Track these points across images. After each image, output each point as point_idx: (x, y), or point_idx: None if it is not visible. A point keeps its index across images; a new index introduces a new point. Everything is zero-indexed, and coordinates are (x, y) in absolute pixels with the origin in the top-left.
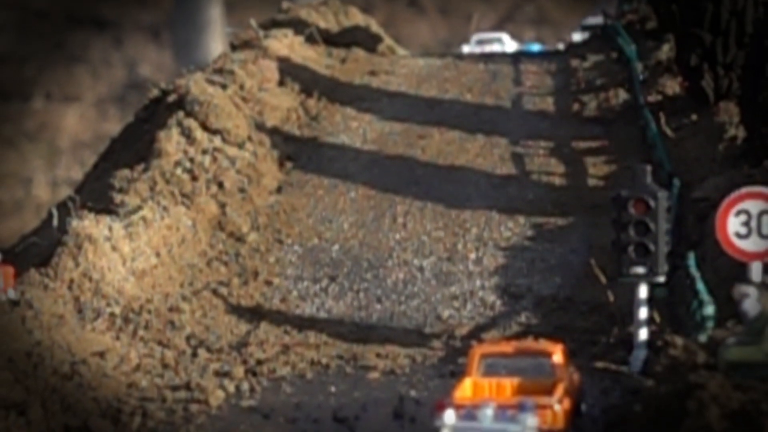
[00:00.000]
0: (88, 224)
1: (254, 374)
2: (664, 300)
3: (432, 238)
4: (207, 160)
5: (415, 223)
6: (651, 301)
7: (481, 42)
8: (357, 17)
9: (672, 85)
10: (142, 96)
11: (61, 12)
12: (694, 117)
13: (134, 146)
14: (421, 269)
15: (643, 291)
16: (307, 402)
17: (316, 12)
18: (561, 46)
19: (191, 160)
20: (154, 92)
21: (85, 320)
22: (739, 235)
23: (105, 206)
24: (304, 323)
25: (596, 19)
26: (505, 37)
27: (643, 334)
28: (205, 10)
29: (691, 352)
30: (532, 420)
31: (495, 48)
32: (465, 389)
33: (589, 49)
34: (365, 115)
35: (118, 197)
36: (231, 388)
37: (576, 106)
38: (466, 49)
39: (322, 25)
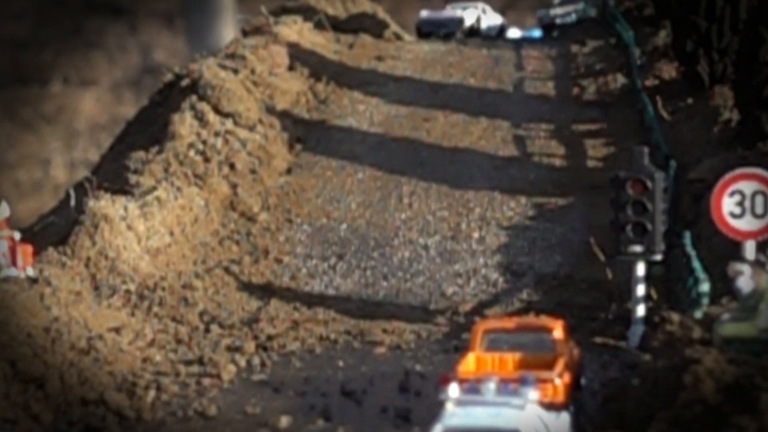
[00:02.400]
0: (105, 204)
1: (265, 349)
2: (660, 277)
3: (437, 217)
4: (219, 142)
5: (421, 203)
6: (648, 279)
7: None
8: (364, 4)
9: (668, 70)
10: (157, 80)
11: None
12: (689, 101)
13: (149, 129)
14: (426, 248)
15: (640, 269)
16: (315, 376)
17: None
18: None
19: (204, 142)
20: (168, 77)
21: (101, 297)
22: (733, 215)
23: (120, 187)
24: (313, 300)
25: (559, 10)
26: (487, 8)
27: (640, 310)
28: None
29: (687, 327)
30: (533, 393)
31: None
32: (468, 364)
33: (588, 35)
34: (372, 99)
35: (133, 178)
36: (242, 362)
37: (576, 90)
38: (424, 13)
39: (331, 11)
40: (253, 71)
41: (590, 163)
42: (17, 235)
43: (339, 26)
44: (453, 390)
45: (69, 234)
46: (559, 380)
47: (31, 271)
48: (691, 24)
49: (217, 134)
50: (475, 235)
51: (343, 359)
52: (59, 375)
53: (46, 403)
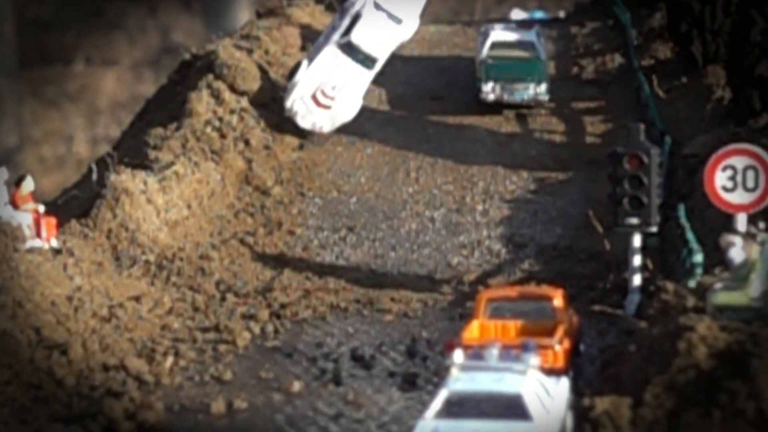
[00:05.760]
0: (125, 178)
1: (278, 317)
2: (656, 248)
3: (442, 191)
4: (234, 119)
5: (427, 178)
6: (644, 250)
7: None
8: None
9: (664, 50)
10: (175, 60)
11: None
12: (684, 79)
13: (167, 107)
14: (432, 220)
15: (637, 240)
16: (327, 342)
17: None
18: (562, 14)
19: (220, 119)
20: (186, 57)
21: (121, 267)
22: (725, 189)
23: (140, 162)
24: (324, 270)
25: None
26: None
27: (637, 279)
28: None
29: (682, 296)
30: (534, 359)
31: None
32: (472, 331)
33: (587, 18)
34: (380, 77)
35: (152, 154)
36: (257, 329)
37: (575, 70)
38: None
39: None
40: (266, 51)
41: (589, 139)
42: (42, 208)
43: None
44: (458, 356)
45: (91, 207)
46: (559, 347)
47: (54, 243)
48: (686, 6)
49: (232, 112)
50: (479, 208)
51: (353, 326)
52: (82, 341)
53: (69, 368)
